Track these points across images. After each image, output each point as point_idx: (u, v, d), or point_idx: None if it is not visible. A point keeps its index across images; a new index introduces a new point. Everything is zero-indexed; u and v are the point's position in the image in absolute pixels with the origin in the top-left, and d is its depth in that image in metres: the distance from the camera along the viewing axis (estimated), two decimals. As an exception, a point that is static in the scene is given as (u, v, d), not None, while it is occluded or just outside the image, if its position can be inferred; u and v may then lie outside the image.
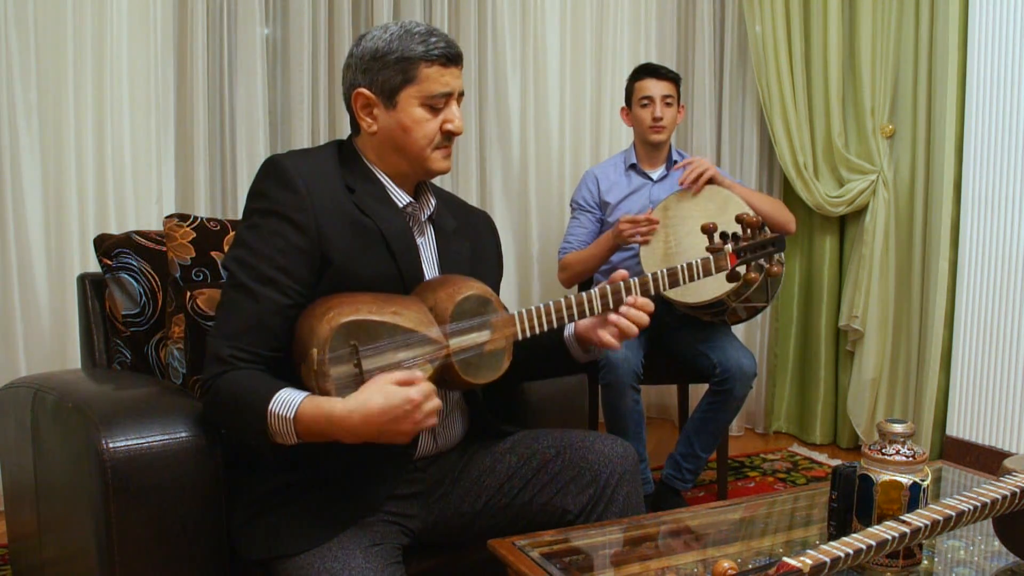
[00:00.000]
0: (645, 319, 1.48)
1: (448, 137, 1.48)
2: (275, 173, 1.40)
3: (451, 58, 1.44)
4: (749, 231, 1.56)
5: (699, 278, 1.54)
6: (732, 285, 2.45)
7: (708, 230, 1.55)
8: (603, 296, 1.48)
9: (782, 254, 1.60)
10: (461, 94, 1.48)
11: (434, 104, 1.44)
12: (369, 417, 1.24)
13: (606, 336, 1.48)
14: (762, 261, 1.56)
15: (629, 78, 2.86)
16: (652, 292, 1.51)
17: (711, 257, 1.54)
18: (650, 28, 3.58)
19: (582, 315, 1.48)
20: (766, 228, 1.60)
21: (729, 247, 1.54)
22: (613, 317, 1.48)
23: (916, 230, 3.18)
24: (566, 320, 1.47)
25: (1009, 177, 2.79)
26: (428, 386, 1.27)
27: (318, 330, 1.31)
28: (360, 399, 1.25)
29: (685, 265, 1.54)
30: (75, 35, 2.63)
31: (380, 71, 1.43)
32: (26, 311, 2.65)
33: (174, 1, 2.77)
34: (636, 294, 1.49)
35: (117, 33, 2.69)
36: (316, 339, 1.30)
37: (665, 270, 1.53)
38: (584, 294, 1.48)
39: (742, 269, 1.55)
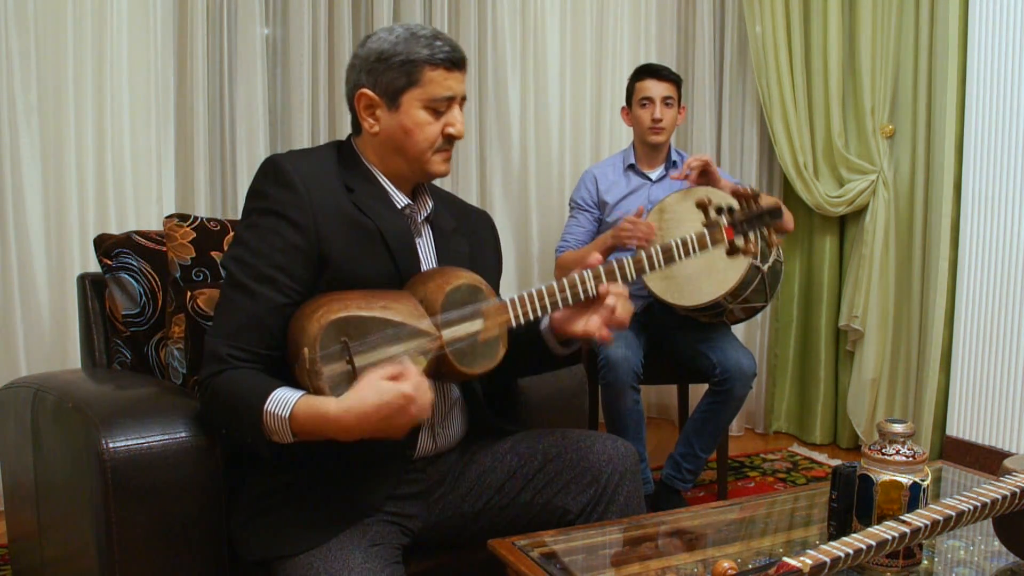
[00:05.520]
0: (630, 307, 1.46)
1: (449, 141, 1.48)
2: (274, 172, 1.40)
3: (455, 62, 1.45)
4: (744, 203, 1.52)
5: (695, 253, 1.50)
6: (730, 286, 2.44)
7: (703, 205, 1.51)
8: (596, 276, 1.45)
9: (781, 220, 1.56)
10: (464, 98, 1.49)
11: (437, 107, 1.44)
12: (364, 416, 1.23)
13: (591, 326, 1.44)
14: (762, 230, 1.52)
15: (630, 78, 2.86)
16: (647, 270, 1.48)
17: (706, 231, 1.51)
18: (650, 28, 3.59)
19: (576, 297, 1.45)
20: (761, 198, 1.57)
21: (724, 220, 1.51)
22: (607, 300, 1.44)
23: (916, 230, 3.18)
24: (559, 304, 1.45)
25: (1009, 177, 2.79)
26: (420, 379, 1.25)
27: (308, 329, 1.31)
28: (354, 398, 1.24)
29: (680, 240, 1.50)
30: (75, 35, 2.63)
31: (384, 72, 1.43)
32: (26, 311, 2.65)
33: (174, 1, 2.77)
34: (630, 273, 1.47)
35: (117, 33, 2.69)
36: (306, 338, 1.30)
37: (659, 246, 1.49)
38: (576, 274, 1.45)
39: (740, 242, 1.51)
